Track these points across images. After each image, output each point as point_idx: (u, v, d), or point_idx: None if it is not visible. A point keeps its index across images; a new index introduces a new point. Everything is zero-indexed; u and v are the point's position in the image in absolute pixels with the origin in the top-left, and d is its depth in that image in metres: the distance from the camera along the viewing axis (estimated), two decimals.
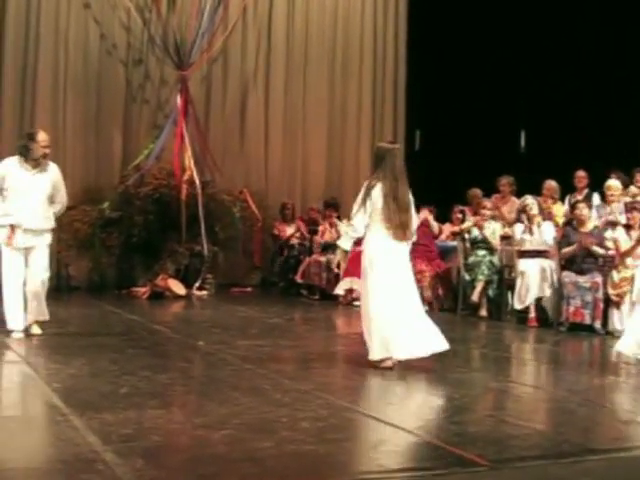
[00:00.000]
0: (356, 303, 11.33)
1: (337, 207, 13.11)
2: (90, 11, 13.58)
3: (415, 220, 6.86)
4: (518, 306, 9.82)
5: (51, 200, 7.76)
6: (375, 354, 6.48)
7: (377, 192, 6.50)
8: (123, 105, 13.90)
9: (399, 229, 6.50)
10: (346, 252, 11.12)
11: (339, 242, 6.97)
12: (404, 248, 6.61)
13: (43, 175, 7.65)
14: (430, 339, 6.48)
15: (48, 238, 7.76)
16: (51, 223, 7.79)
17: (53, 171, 7.76)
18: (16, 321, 7.60)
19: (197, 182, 12.72)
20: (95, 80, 13.65)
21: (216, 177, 13.65)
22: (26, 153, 7.59)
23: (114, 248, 12.69)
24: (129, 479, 3.59)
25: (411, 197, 6.71)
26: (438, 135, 14.75)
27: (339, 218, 12.70)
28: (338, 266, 12.16)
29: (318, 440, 4.30)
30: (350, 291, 11.44)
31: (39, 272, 7.62)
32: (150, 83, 14.04)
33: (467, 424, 4.78)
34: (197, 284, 12.56)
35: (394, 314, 6.41)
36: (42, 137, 7.66)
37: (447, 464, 3.93)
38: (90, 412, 4.71)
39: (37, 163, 7.62)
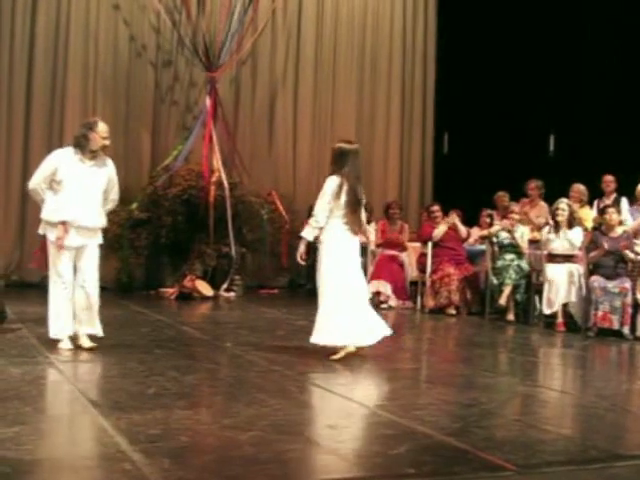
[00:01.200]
0: (383, 306, 11.35)
1: (371, 211, 12.70)
2: (120, 12, 13.69)
3: (364, 217, 7.31)
4: (547, 311, 9.78)
5: (104, 196, 7.23)
6: (316, 338, 7.03)
7: (343, 189, 6.91)
8: (152, 106, 13.97)
9: (355, 225, 7.02)
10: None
11: (303, 232, 7.15)
12: (356, 242, 7.08)
13: (100, 169, 7.09)
14: (373, 327, 6.97)
15: (100, 238, 7.18)
16: (104, 221, 7.25)
17: (110, 166, 7.21)
18: (64, 330, 7.01)
19: (225, 184, 12.76)
20: (124, 81, 13.75)
21: (244, 179, 13.70)
22: (85, 144, 6.97)
23: (142, 249, 12.77)
24: (156, 479, 3.61)
25: (364, 196, 7.16)
26: (467, 138, 14.70)
27: (369, 222, 12.51)
28: None
29: (344, 442, 4.30)
30: (377, 294, 11.41)
31: (91, 276, 7.09)
32: (179, 85, 14.11)
33: (494, 429, 4.77)
34: (225, 285, 12.59)
35: (343, 303, 6.89)
36: (102, 127, 7.04)
37: (474, 469, 3.92)
38: (118, 412, 4.74)
39: (94, 155, 7.04)
